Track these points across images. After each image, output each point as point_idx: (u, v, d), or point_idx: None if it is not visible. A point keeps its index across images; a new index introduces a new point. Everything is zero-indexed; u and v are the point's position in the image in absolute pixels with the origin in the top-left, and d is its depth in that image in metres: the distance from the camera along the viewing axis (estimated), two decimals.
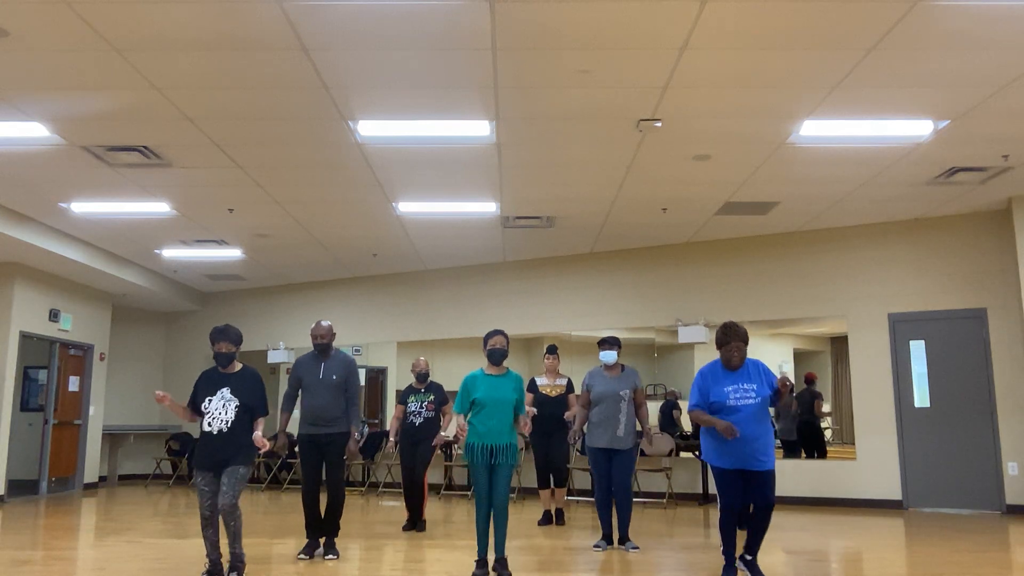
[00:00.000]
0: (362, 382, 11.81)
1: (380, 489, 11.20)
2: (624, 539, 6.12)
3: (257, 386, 4.94)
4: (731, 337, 4.82)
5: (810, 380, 9.44)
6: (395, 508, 9.03)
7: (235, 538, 4.76)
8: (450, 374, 10.51)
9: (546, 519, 7.60)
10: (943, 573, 5.09)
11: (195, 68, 5.19)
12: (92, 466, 11.77)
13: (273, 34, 4.75)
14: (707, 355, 9.83)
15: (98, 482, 12.01)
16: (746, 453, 4.72)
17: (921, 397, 8.78)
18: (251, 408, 4.87)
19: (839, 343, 9.31)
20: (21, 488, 10.96)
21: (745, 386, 4.77)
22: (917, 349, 8.87)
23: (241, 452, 4.77)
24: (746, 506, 4.97)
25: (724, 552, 4.90)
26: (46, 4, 4.40)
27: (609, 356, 6.29)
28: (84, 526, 7.65)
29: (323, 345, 5.88)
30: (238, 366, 4.98)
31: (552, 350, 7.77)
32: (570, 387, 7.68)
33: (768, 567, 5.27)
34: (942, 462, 8.58)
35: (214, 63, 5.12)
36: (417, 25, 4.65)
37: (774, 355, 9.59)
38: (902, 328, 8.96)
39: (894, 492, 8.72)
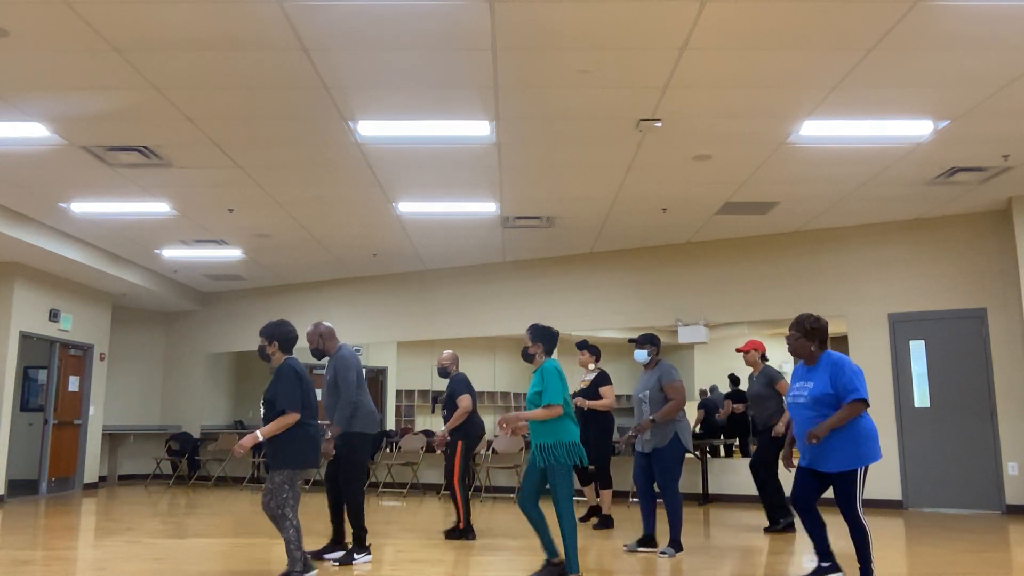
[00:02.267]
0: None
1: (380, 489, 11.20)
2: (672, 541, 5.75)
3: (277, 380, 4.75)
4: (791, 326, 4.62)
5: None
6: (395, 508, 9.02)
7: (286, 543, 4.66)
8: None
9: (604, 523, 7.17)
10: (943, 573, 5.09)
11: (195, 68, 5.19)
12: (92, 466, 11.78)
13: (273, 34, 4.75)
14: (707, 355, 9.84)
15: (98, 482, 12.01)
16: (807, 451, 4.51)
17: (921, 397, 8.77)
18: (273, 404, 4.75)
19: (839, 343, 9.30)
20: (21, 488, 10.96)
21: (807, 384, 4.53)
22: (917, 349, 8.87)
23: (271, 456, 4.70)
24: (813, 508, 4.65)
25: (816, 552, 4.58)
26: (46, 4, 4.40)
27: (640, 355, 6.10)
28: (84, 526, 7.65)
29: (312, 350, 5.78)
30: (280, 361, 4.87)
31: (581, 346, 7.51)
32: (600, 379, 7.36)
33: (769, 566, 5.26)
34: (942, 462, 8.58)
35: (214, 63, 5.12)
36: (417, 25, 4.65)
37: (774, 355, 9.57)
38: (902, 328, 8.96)
39: (894, 492, 8.72)
